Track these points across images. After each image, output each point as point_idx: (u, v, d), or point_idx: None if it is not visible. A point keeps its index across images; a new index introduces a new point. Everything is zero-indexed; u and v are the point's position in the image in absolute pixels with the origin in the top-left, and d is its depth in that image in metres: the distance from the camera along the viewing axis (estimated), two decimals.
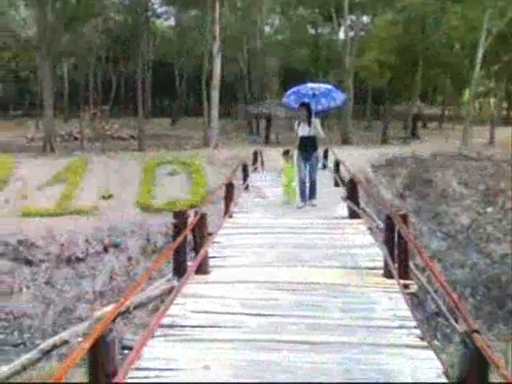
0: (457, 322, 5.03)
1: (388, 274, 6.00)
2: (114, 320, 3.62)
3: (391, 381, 3.87)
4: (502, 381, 2.74)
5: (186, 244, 6.14)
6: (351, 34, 32.73)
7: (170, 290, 6.11)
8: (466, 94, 41.31)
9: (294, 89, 12.34)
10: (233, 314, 5.12)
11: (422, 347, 4.35)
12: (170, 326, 4.83)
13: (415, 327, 4.72)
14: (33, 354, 6.81)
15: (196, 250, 6.34)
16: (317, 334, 4.64)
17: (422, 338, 4.50)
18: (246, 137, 34.90)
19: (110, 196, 18.32)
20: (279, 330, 4.76)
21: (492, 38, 26.83)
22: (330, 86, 12.90)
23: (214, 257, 6.79)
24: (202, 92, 30.31)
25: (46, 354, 6.96)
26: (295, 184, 10.71)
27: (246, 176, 12.59)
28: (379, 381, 3.88)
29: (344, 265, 6.61)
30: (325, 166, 14.95)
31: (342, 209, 9.70)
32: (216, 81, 26.97)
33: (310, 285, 5.86)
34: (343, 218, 9.22)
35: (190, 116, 44.63)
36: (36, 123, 36.00)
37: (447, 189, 21.24)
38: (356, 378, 3.91)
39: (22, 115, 43.60)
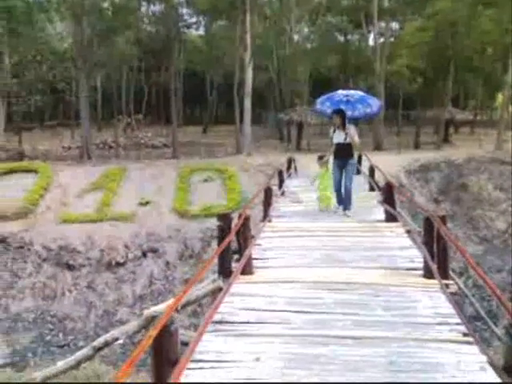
0: (496, 325, 5.14)
1: (427, 275, 6.15)
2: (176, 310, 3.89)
3: (436, 372, 4.01)
4: None
5: (230, 246, 6.41)
6: (381, 40, 32.79)
7: (216, 290, 6.38)
8: (499, 99, 40.82)
9: (326, 95, 11.88)
10: (279, 311, 5.30)
11: (466, 342, 4.47)
12: (220, 322, 5.04)
13: (457, 324, 4.83)
14: (86, 351, 7.17)
15: (240, 251, 6.59)
16: (362, 330, 4.80)
17: (465, 334, 4.62)
18: (277, 144, 35.18)
19: (147, 202, 18.76)
20: (325, 325, 4.93)
21: None
22: (362, 93, 12.35)
23: (256, 258, 7.03)
24: (233, 100, 30.75)
25: (98, 350, 7.31)
26: (331, 190, 10.52)
27: (281, 182, 12.81)
28: (424, 372, 4.01)
29: (384, 266, 6.77)
30: (359, 171, 15.04)
31: (379, 212, 9.84)
32: (248, 89, 27.40)
33: (351, 284, 6.02)
34: (380, 221, 9.36)
35: (221, 124, 45.18)
36: (71, 133, 36.94)
37: (482, 193, 21.09)
38: (401, 369, 4.07)
39: (57, 125, 44.75)
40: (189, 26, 38.05)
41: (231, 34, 33.66)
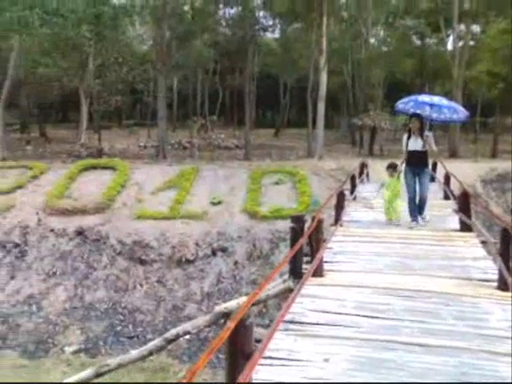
0: None
1: (502, 287, 6.03)
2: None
3: None
4: None
5: (303, 248, 6.53)
6: (460, 43, 31.82)
7: (285, 291, 6.54)
8: None
9: (411, 97, 11.30)
10: (348, 314, 5.37)
11: None
12: (291, 322, 5.17)
13: None
14: (158, 342, 7.55)
15: (311, 254, 6.70)
16: (431, 338, 4.77)
17: None
18: (348, 148, 34.92)
19: (219, 202, 19.13)
20: (393, 331, 4.94)
21: None
22: (447, 101, 11.38)
23: (327, 261, 7.11)
24: (305, 103, 30.78)
25: (170, 342, 7.67)
26: (400, 201, 10.18)
27: (353, 187, 12.81)
28: None
29: (456, 275, 6.69)
30: (433, 179, 14.73)
31: (453, 221, 9.66)
32: (322, 93, 27.38)
33: (422, 292, 5.99)
34: (454, 230, 9.20)
35: (292, 127, 45.34)
36: (148, 132, 38.26)
37: None
38: (473, 381, 4.01)
39: (134, 124, 46.46)
40: (265, 29, 38.41)
41: (306, 37, 33.75)
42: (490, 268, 6.84)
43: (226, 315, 6.62)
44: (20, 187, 20.90)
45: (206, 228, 17.81)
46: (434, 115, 10.50)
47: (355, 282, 6.37)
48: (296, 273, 6.36)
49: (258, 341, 4.89)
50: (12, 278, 16.99)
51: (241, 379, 3.35)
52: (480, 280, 6.52)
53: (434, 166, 15.76)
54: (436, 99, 10.74)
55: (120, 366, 8.09)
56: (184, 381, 2.79)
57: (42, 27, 23.96)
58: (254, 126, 41.52)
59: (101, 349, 14.32)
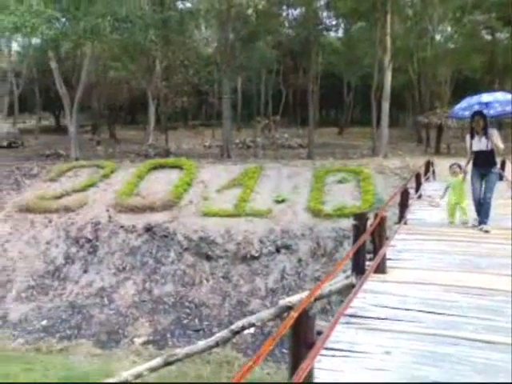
0: None
1: None
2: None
3: None
4: None
5: (365, 245, 6.62)
6: None
7: (348, 286, 6.66)
8: None
9: (465, 99, 10.47)
10: (410, 310, 5.40)
11: None
12: (353, 316, 5.27)
13: None
14: (225, 333, 7.85)
15: (374, 251, 6.79)
16: (495, 335, 4.74)
17: None
18: (414, 147, 34.27)
19: (283, 200, 19.34)
20: (456, 327, 4.95)
21: None
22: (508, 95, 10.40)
23: (390, 259, 7.16)
24: (369, 102, 30.49)
25: (235, 334, 7.95)
26: (466, 203, 9.83)
27: (418, 185, 12.69)
28: None
29: None
30: (501, 178, 14.33)
31: None
32: (387, 92, 27.09)
33: (488, 290, 5.93)
34: None
35: (356, 125, 44.93)
36: (212, 132, 39.02)
37: None
38: None
39: (199, 125, 47.45)
40: (328, 29, 38.26)
41: (370, 35, 33.38)
42: None
43: (290, 309, 6.81)
44: (92, 185, 21.92)
45: (269, 226, 18.06)
46: (485, 112, 9.64)
47: (419, 279, 6.38)
48: (358, 269, 6.46)
49: (320, 333, 5.07)
50: (85, 271, 17.86)
51: (303, 366, 3.48)
52: None
53: (503, 164, 15.31)
54: (490, 97, 9.97)
55: (187, 355, 8.43)
56: (250, 363, 2.98)
57: (112, 33, 25.03)
58: (317, 124, 41.42)
59: (168, 341, 14.85)
